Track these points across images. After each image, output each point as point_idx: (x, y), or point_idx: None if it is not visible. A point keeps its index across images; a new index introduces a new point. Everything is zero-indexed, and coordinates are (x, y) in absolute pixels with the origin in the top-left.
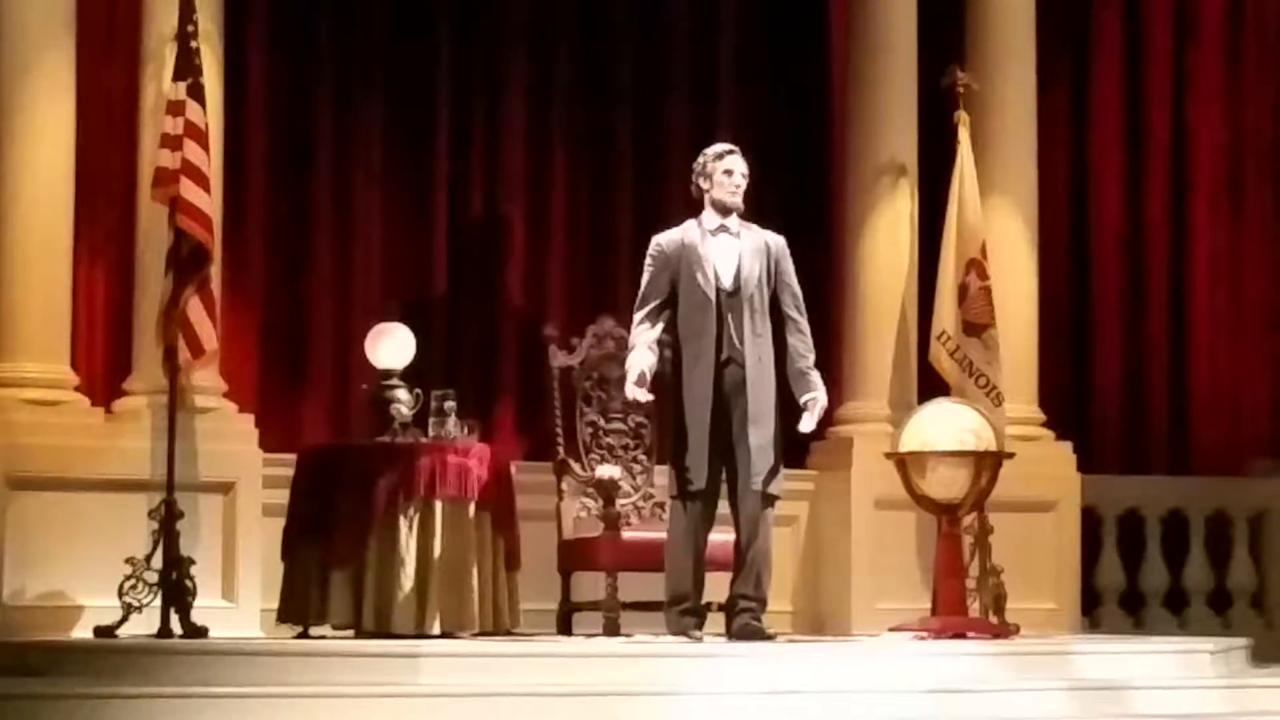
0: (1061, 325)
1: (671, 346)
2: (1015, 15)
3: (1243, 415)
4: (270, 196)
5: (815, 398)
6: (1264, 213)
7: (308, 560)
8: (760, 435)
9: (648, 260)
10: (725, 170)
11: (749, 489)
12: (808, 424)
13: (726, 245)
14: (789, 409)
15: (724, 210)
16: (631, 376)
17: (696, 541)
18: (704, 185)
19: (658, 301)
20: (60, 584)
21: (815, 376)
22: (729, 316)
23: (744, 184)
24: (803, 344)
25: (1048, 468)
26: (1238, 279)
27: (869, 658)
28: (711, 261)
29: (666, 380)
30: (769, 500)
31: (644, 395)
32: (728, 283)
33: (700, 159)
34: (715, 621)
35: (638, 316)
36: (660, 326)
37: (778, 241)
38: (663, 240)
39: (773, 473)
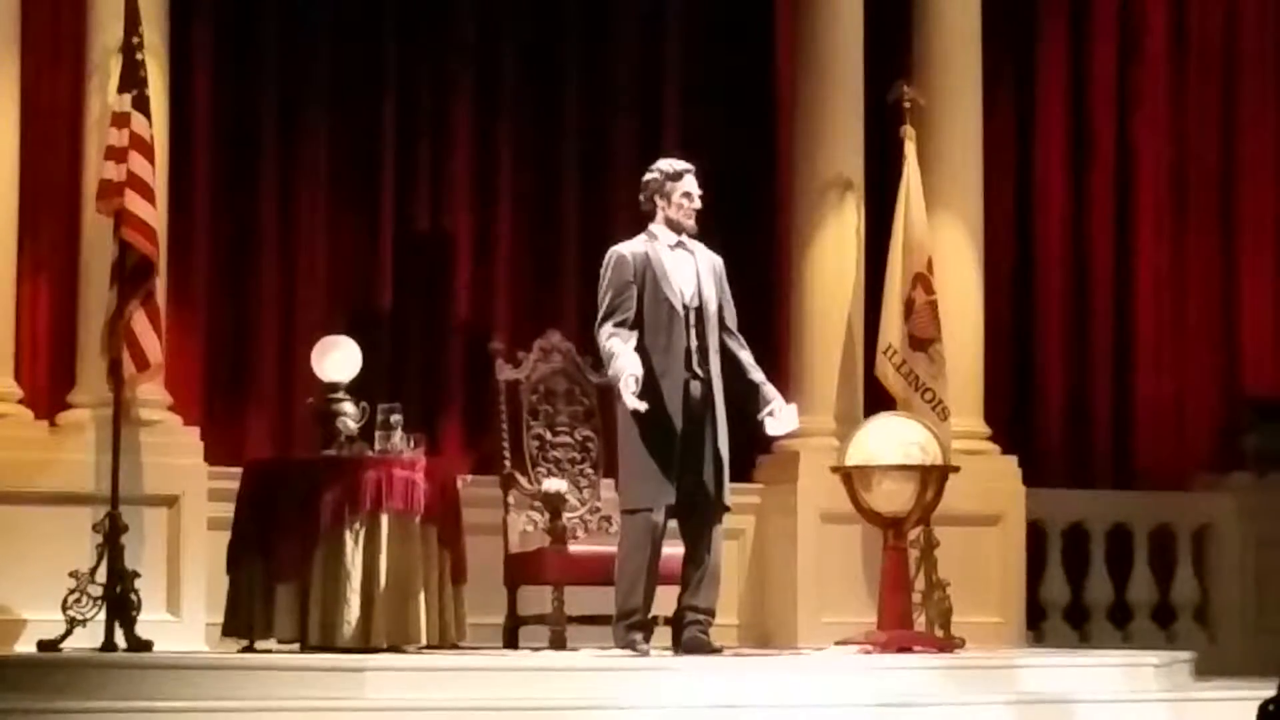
0: (1007, 340)
1: None
2: (961, 32)
3: (1186, 430)
4: (215, 209)
5: (781, 405)
6: (1207, 230)
7: (253, 574)
8: (725, 449)
9: (610, 272)
10: (684, 193)
11: (706, 502)
12: (787, 427)
13: (685, 262)
14: (733, 421)
15: (678, 230)
16: (630, 388)
17: (653, 556)
18: (659, 203)
19: (627, 314)
20: (3, 598)
21: (770, 386)
22: (693, 332)
23: (699, 205)
24: (750, 357)
25: (993, 482)
26: (1181, 295)
27: (815, 671)
28: (676, 277)
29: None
30: (722, 513)
31: (643, 405)
32: (691, 298)
33: (654, 175)
34: (661, 636)
35: (607, 327)
36: (635, 337)
37: (719, 260)
38: (625, 251)
39: (726, 485)
